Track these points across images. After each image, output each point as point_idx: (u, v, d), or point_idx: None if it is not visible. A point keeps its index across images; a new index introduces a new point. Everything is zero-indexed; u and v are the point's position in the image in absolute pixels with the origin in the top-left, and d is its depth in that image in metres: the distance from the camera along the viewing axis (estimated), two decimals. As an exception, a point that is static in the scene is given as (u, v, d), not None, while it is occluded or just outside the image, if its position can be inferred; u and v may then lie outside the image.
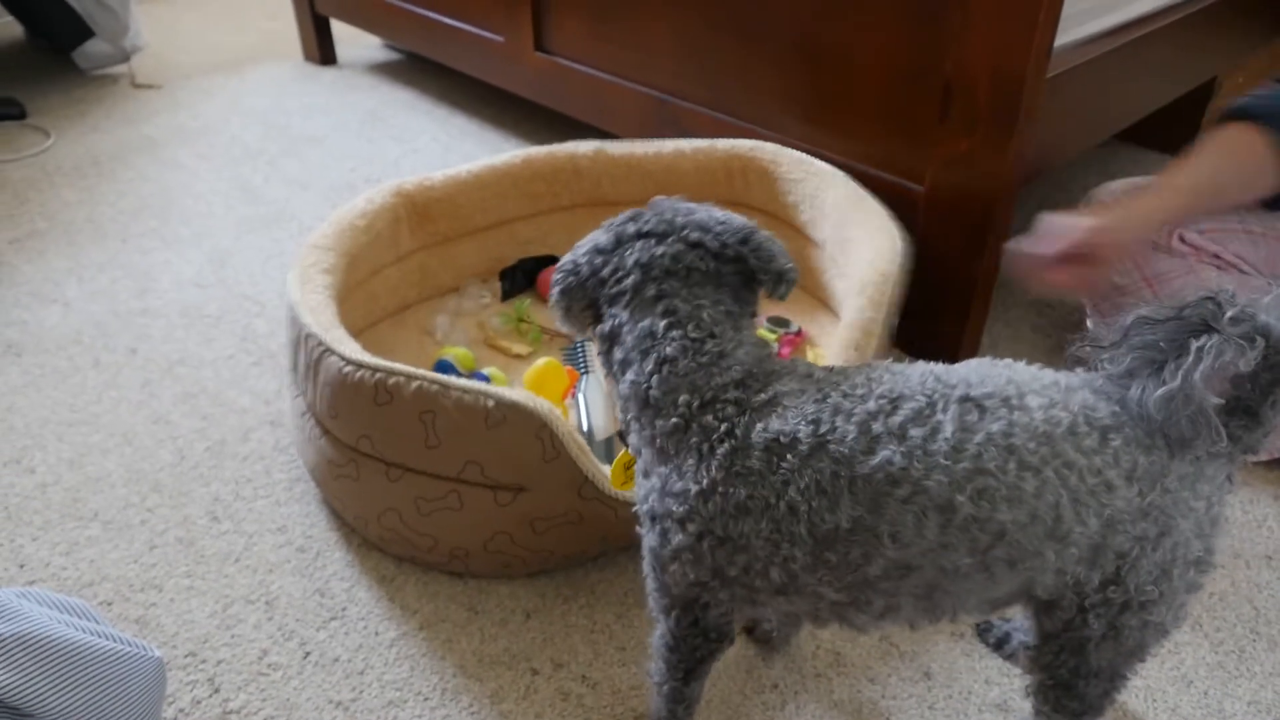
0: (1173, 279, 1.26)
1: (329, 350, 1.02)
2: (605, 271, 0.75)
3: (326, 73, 2.54)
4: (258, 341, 1.46)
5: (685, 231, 0.75)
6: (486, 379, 1.27)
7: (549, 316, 1.47)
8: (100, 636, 0.79)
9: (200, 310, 1.53)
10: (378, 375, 0.98)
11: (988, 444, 0.65)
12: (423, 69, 2.54)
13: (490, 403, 0.94)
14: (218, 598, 1.05)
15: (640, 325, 0.73)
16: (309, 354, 1.05)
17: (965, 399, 0.67)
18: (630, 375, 0.74)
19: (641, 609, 1.04)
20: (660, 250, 0.74)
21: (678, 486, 0.71)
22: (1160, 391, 0.64)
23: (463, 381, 0.96)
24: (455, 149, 2.10)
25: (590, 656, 0.99)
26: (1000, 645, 1.00)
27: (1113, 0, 1.40)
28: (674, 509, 0.71)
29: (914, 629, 0.79)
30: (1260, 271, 1.30)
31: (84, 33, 2.32)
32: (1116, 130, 1.58)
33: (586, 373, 1.30)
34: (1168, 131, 2.07)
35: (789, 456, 0.67)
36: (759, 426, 0.69)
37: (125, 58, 2.43)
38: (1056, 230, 1.02)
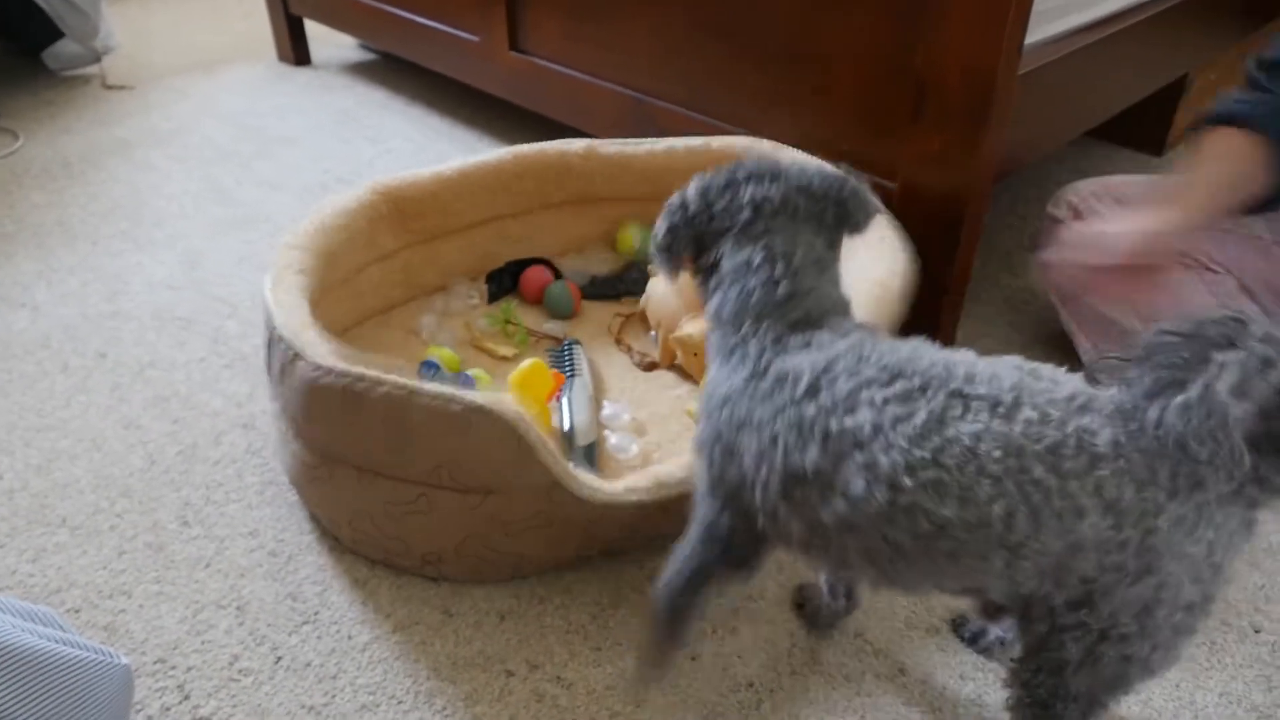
0: None
1: (299, 355, 1.01)
2: (718, 207, 0.82)
3: (301, 73, 2.52)
4: (230, 344, 1.44)
5: (792, 174, 0.82)
6: (472, 380, 1.26)
7: (536, 318, 1.47)
8: (66, 644, 0.77)
9: (172, 313, 1.52)
10: (346, 380, 0.97)
11: (954, 441, 0.66)
12: (398, 69, 2.52)
13: (457, 407, 0.93)
14: (188, 603, 1.04)
15: (739, 257, 0.80)
16: (281, 357, 1.04)
17: (957, 393, 0.68)
18: (717, 299, 0.82)
19: (617, 609, 1.04)
20: (772, 190, 0.81)
21: (714, 391, 0.80)
22: (1179, 399, 0.63)
23: (430, 386, 0.95)
24: (430, 149, 2.09)
25: (565, 657, 0.99)
26: (975, 640, 1.01)
27: (1083, -2, 1.41)
28: (707, 407, 0.80)
29: (875, 590, 0.83)
30: (1229, 271, 1.31)
31: (53, 33, 2.29)
32: (1089, 127, 1.59)
33: (573, 376, 1.29)
34: (1140, 128, 2.09)
35: (787, 391, 0.73)
36: (779, 360, 0.76)
37: (96, 58, 2.41)
38: (1102, 241, 1.02)
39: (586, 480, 0.99)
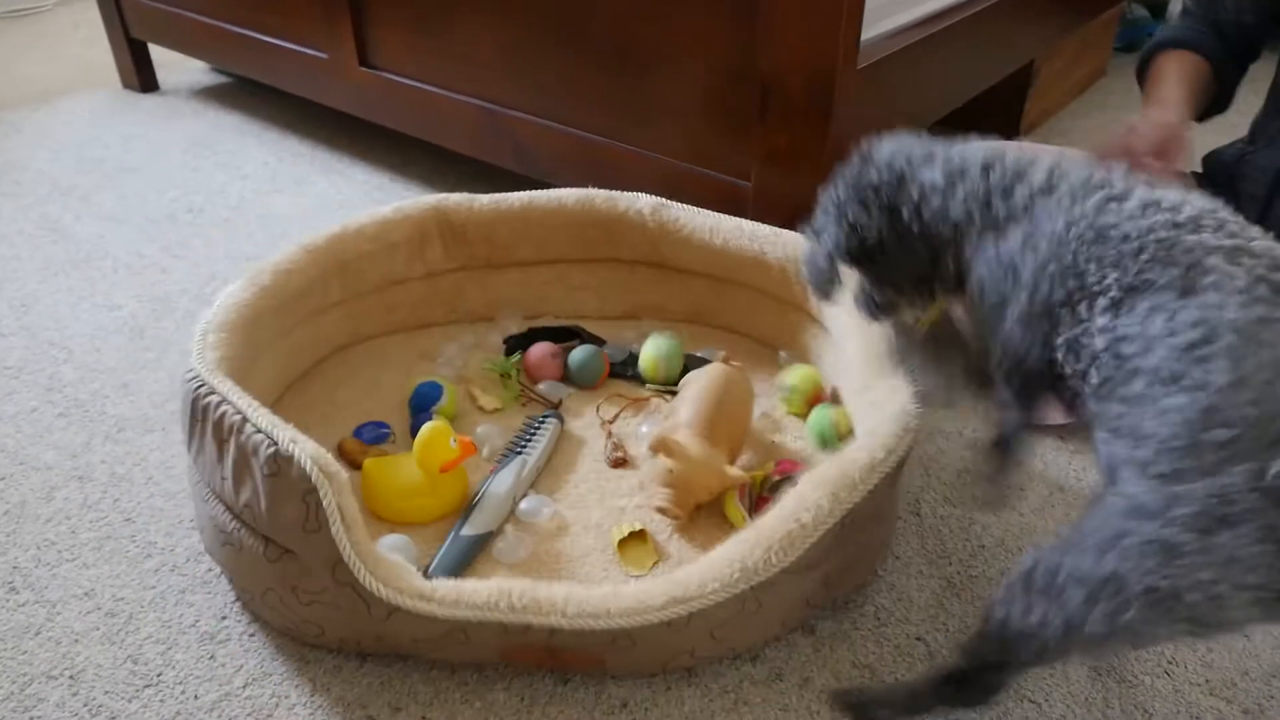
0: None
1: (190, 354, 1.02)
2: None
3: (147, 100, 2.40)
4: (64, 391, 1.35)
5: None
6: (430, 417, 1.20)
7: (532, 384, 1.33)
8: None
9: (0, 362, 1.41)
10: (199, 390, 0.95)
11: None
12: (252, 92, 2.43)
13: (270, 449, 0.87)
14: (14, 678, 0.95)
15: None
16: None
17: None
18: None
19: (485, 640, 0.99)
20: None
21: (1034, 231, 0.85)
22: None
23: (266, 416, 0.89)
24: (287, 173, 2.01)
25: (430, 696, 0.94)
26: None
27: (921, -9, 1.43)
28: (1023, 248, 0.85)
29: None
30: None
31: None
32: (938, 117, 1.62)
33: (517, 454, 1.16)
34: (995, 114, 2.15)
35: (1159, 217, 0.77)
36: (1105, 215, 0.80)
37: (-83, 94, 2.25)
38: (1142, 128, 1.16)
39: (386, 573, 0.87)
